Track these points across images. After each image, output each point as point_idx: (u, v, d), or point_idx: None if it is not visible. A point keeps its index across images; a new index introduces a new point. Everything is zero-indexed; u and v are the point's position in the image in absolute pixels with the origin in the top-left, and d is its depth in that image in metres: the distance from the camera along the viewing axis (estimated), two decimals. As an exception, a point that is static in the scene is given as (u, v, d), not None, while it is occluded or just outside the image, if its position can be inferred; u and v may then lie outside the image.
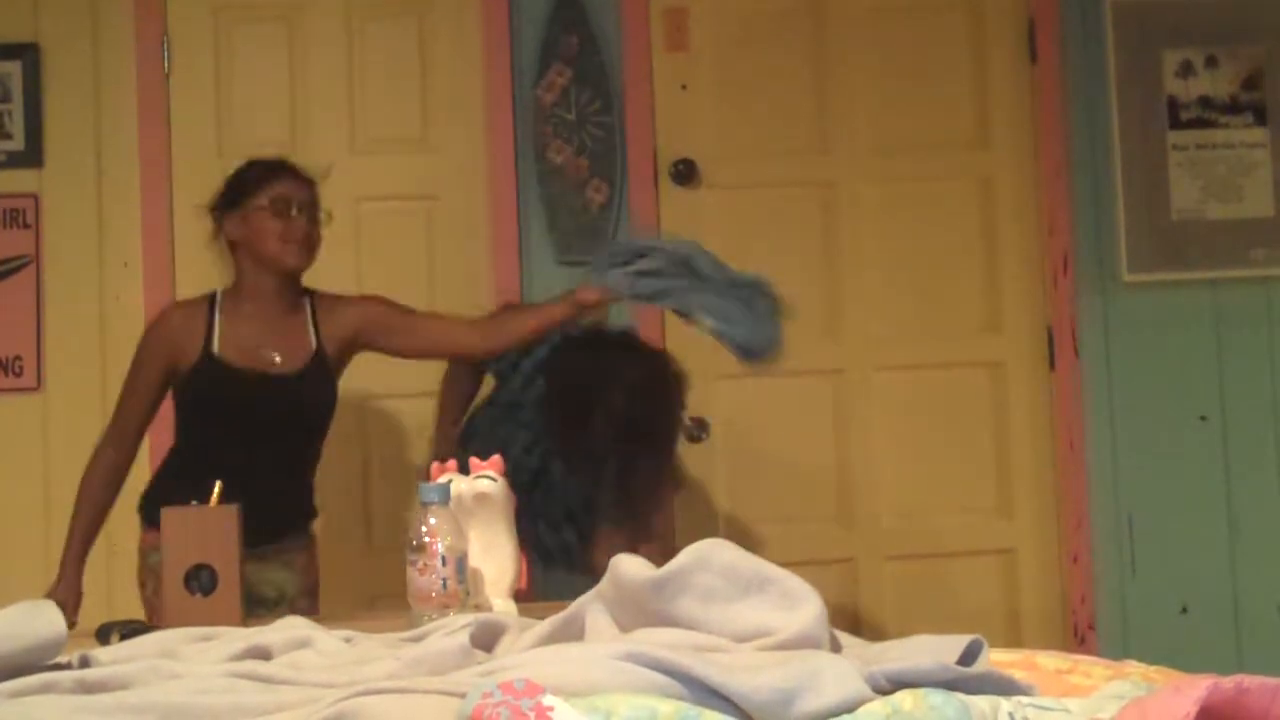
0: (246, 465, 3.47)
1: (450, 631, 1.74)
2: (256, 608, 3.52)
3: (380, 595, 4.02)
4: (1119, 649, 4.29)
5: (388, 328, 3.71)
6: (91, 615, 2.52)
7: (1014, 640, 4.25)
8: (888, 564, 4.58)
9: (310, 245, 3.64)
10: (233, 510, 2.59)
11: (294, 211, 3.61)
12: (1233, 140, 4.69)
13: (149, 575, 3.60)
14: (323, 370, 3.68)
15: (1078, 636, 4.53)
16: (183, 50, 4.52)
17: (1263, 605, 4.59)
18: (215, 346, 3.60)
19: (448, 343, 3.79)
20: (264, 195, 3.62)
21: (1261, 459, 4.63)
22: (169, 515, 2.63)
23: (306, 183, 3.68)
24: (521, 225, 4.49)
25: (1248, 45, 4.71)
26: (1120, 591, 4.57)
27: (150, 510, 3.65)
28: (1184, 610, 4.58)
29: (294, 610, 3.47)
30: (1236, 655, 4.49)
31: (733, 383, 4.56)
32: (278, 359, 3.63)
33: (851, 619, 4.37)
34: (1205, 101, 4.69)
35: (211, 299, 3.67)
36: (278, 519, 3.66)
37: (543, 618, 1.78)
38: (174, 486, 3.50)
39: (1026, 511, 4.63)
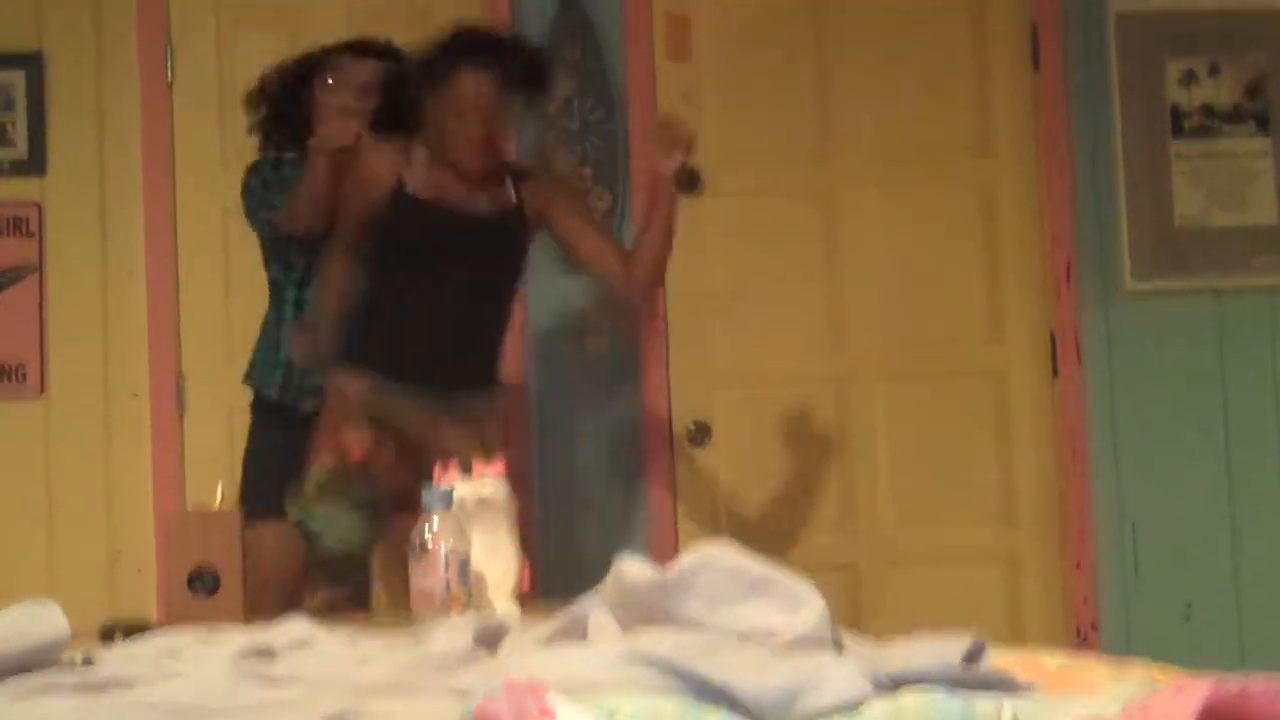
0: (434, 309, 3.55)
1: (453, 632, 1.74)
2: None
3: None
4: (1122, 654, 4.28)
5: (562, 221, 3.72)
6: (94, 614, 2.52)
7: (1017, 646, 4.25)
8: (890, 570, 4.58)
9: (489, 146, 3.57)
10: (235, 512, 2.59)
11: (472, 114, 3.53)
12: (1235, 149, 4.69)
13: (336, 407, 3.58)
14: (519, 219, 3.66)
15: (1081, 643, 4.52)
16: (185, 58, 4.53)
17: (1266, 612, 4.58)
18: (408, 185, 3.59)
19: (597, 265, 3.78)
20: (446, 92, 3.55)
21: (1264, 466, 4.62)
22: (169, 517, 2.64)
23: (496, 73, 3.56)
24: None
25: (1250, 54, 4.71)
26: (1123, 599, 4.57)
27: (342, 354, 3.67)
28: (1187, 618, 4.57)
29: None
30: (1240, 662, 4.48)
31: (735, 390, 4.57)
32: (472, 202, 3.60)
33: (854, 625, 4.37)
34: (1208, 110, 4.69)
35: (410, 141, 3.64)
36: (463, 372, 3.62)
37: (546, 620, 1.78)
38: (364, 329, 3.62)
39: (1030, 519, 4.63)
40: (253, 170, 4.00)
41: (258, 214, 3.95)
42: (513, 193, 3.67)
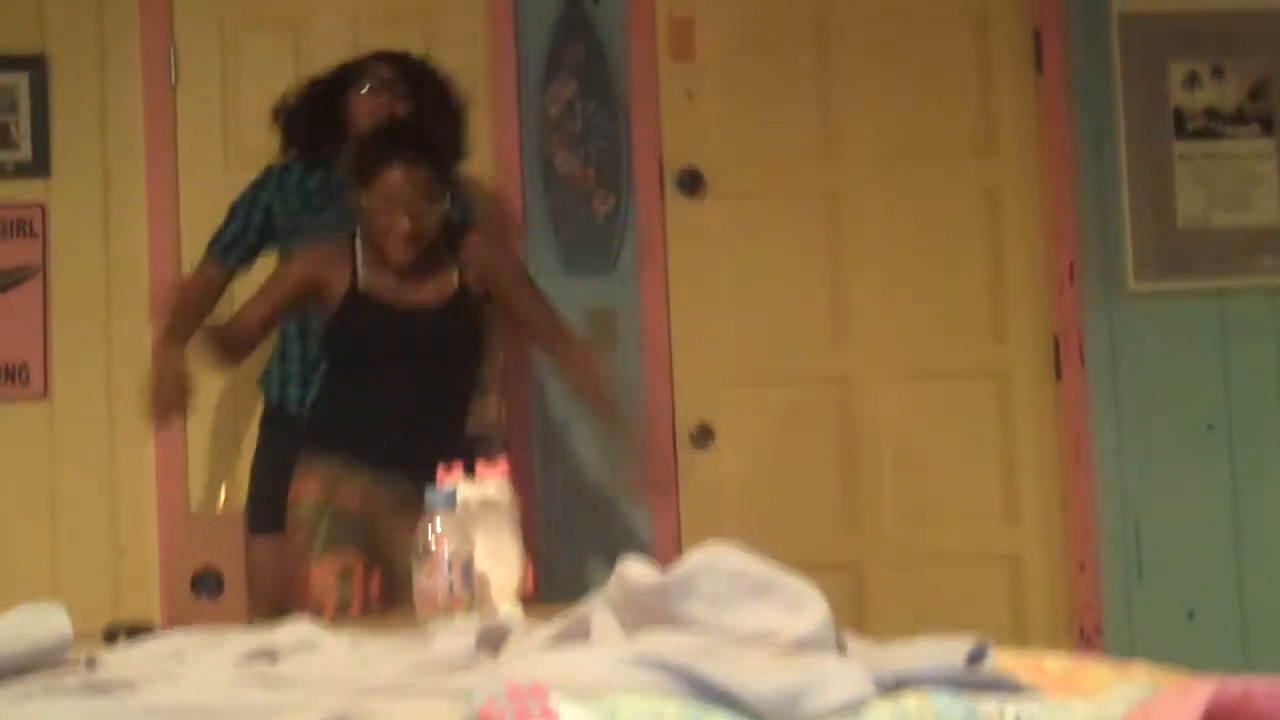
0: (391, 403, 3.55)
1: (456, 635, 1.74)
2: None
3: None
4: (1126, 656, 4.27)
5: (503, 287, 3.74)
6: (98, 619, 2.52)
7: (1020, 647, 4.25)
8: (894, 571, 4.58)
9: (417, 237, 3.54)
10: (238, 514, 2.59)
11: (399, 207, 3.51)
12: (1239, 150, 4.69)
13: (296, 529, 3.55)
14: (465, 305, 3.65)
15: (1085, 643, 4.52)
16: (189, 60, 4.53)
17: (1270, 614, 4.58)
18: (360, 281, 3.59)
19: (529, 331, 3.89)
20: (374, 186, 3.53)
21: (1268, 467, 4.62)
22: (173, 520, 2.64)
23: (421, 165, 3.56)
24: (528, 236, 4.50)
25: (1254, 56, 4.71)
26: (1127, 599, 4.57)
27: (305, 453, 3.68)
28: (1190, 618, 4.57)
29: None
30: (1244, 664, 4.48)
31: (738, 390, 4.57)
32: (419, 294, 3.61)
33: (857, 626, 4.36)
34: (1211, 112, 4.69)
35: (354, 234, 3.64)
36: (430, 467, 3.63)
37: (548, 622, 1.78)
38: (326, 423, 3.64)
39: (1033, 519, 4.63)
40: (266, 172, 4.09)
41: (262, 215, 4.05)
42: (455, 276, 3.65)
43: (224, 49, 4.56)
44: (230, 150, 4.52)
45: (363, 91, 3.95)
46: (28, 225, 4.44)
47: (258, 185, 4.08)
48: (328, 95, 4.01)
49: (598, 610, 1.69)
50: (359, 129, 3.90)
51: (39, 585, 4.20)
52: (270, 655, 1.76)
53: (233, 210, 4.08)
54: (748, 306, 4.56)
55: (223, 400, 4.44)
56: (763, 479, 4.57)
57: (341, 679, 1.61)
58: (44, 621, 1.72)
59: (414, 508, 3.33)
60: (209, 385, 4.43)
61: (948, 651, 1.48)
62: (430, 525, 2.29)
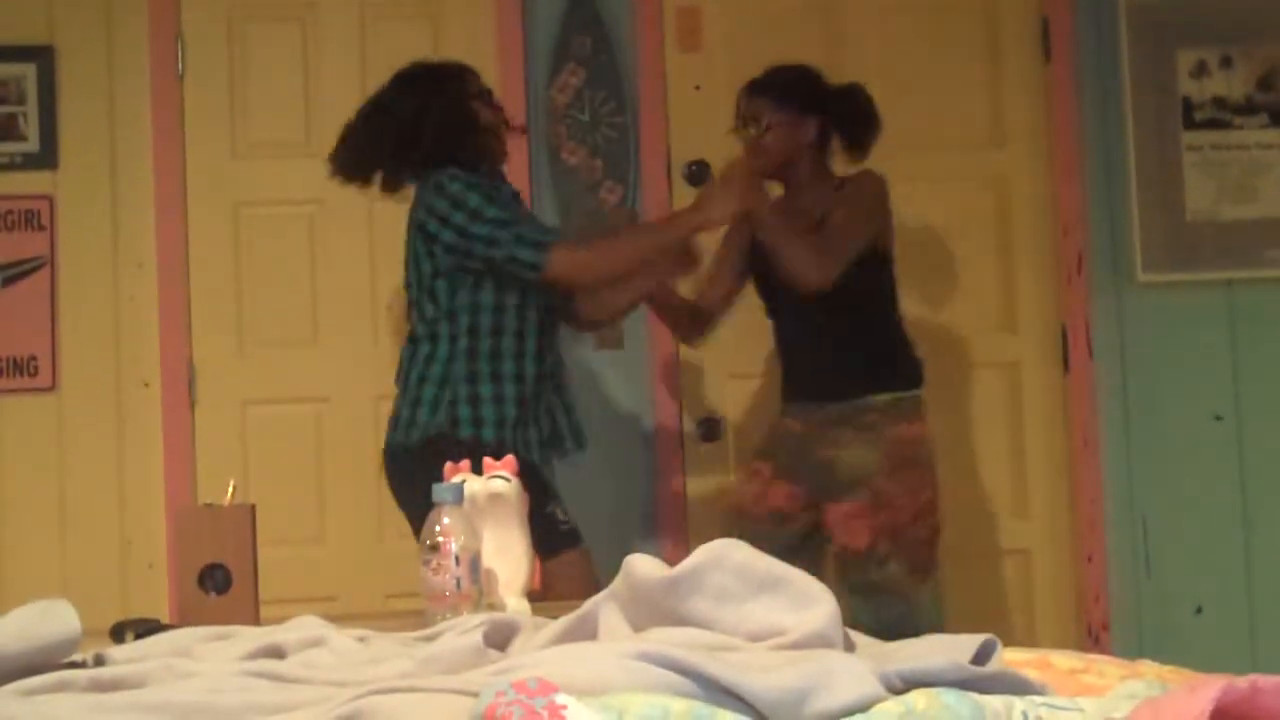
0: (788, 328, 4.03)
1: (463, 631, 1.74)
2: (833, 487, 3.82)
3: (395, 594, 4.05)
4: (1133, 649, 4.28)
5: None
6: (106, 614, 2.53)
7: (1028, 640, 4.25)
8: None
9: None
10: (247, 508, 2.59)
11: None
12: (1247, 141, 4.68)
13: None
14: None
15: (1092, 636, 4.52)
16: (196, 51, 4.53)
17: (1278, 605, 4.58)
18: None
19: None
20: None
21: (1276, 458, 4.62)
22: (181, 514, 2.64)
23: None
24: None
25: (1263, 46, 4.70)
26: (1135, 591, 4.56)
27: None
28: (1199, 610, 4.57)
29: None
30: (1251, 655, 4.48)
31: (747, 382, 4.57)
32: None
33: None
34: (1220, 102, 4.68)
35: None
36: (830, 385, 3.91)
37: (556, 617, 1.78)
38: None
39: (1041, 511, 4.63)
40: (460, 185, 3.57)
41: (488, 233, 3.53)
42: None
43: (231, 40, 4.56)
44: (238, 141, 4.53)
45: (483, 100, 3.74)
46: (35, 217, 4.44)
47: (487, 195, 3.60)
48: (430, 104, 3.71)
49: (605, 606, 1.68)
50: (492, 131, 3.72)
51: (47, 578, 4.21)
52: (278, 652, 1.76)
53: (501, 220, 3.55)
54: (755, 297, 4.55)
55: (230, 389, 4.45)
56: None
57: (349, 676, 1.61)
58: (52, 618, 1.72)
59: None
60: (210, 379, 4.44)
61: (956, 649, 1.48)
62: (438, 519, 2.29)
